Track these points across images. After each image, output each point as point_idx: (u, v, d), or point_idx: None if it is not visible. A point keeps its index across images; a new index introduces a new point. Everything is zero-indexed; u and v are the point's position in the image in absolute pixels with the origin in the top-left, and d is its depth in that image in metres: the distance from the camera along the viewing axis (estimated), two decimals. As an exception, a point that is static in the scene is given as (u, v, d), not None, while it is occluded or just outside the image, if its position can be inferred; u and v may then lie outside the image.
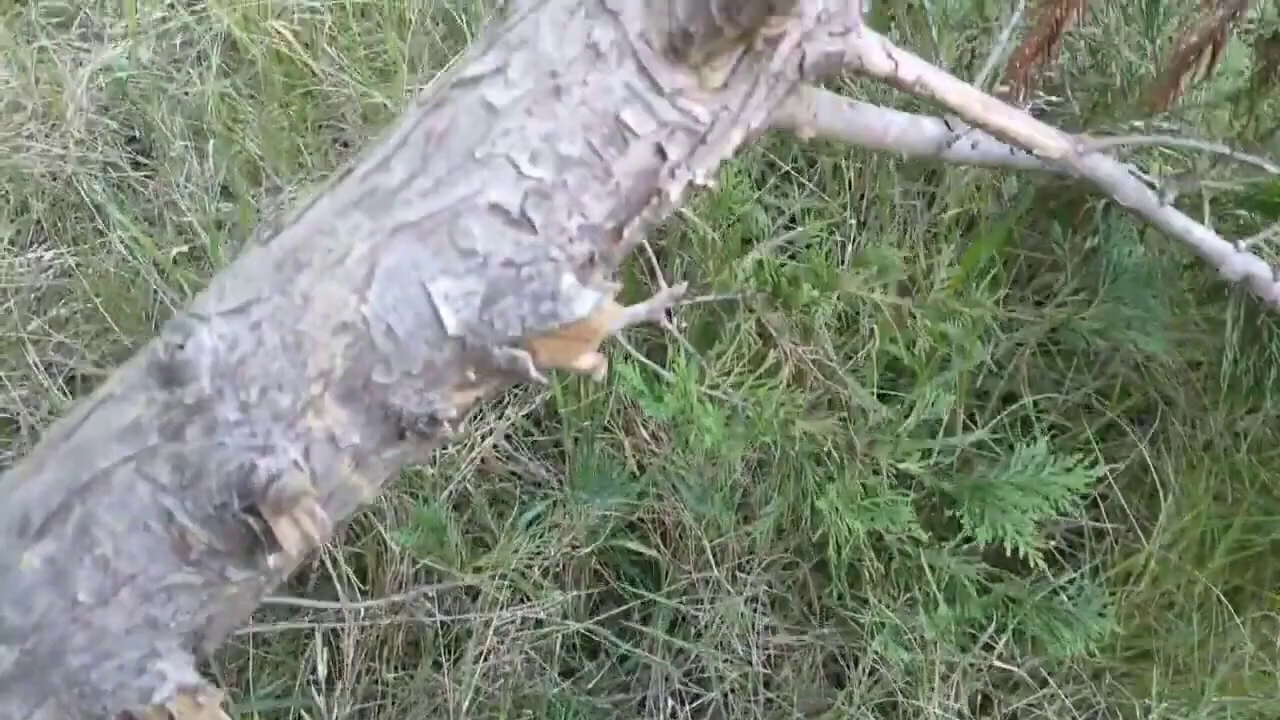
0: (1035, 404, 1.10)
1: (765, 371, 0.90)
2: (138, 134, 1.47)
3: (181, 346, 0.48)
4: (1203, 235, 0.68)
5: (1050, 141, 0.59)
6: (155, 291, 1.28)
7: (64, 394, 1.20)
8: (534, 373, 0.49)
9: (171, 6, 1.54)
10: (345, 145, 1.42)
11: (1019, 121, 0.58)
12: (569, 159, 0.48)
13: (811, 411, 0.95)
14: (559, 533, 1.06)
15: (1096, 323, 0.87)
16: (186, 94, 1.48)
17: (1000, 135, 0.58)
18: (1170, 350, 0.88)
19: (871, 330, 0.99)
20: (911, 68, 0.55)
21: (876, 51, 0.55)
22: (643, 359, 0.88)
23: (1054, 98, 0.74)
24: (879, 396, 1.04)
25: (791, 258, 0.95)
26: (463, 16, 1.30)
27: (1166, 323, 0.85)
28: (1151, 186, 0.65)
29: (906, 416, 0.98)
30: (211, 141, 1.40)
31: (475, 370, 0.51)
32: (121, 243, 1.30)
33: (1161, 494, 1.05)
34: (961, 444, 0.89)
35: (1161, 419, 1.10)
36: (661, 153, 0.50)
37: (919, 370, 0.98)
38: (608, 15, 0.46)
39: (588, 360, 0.50)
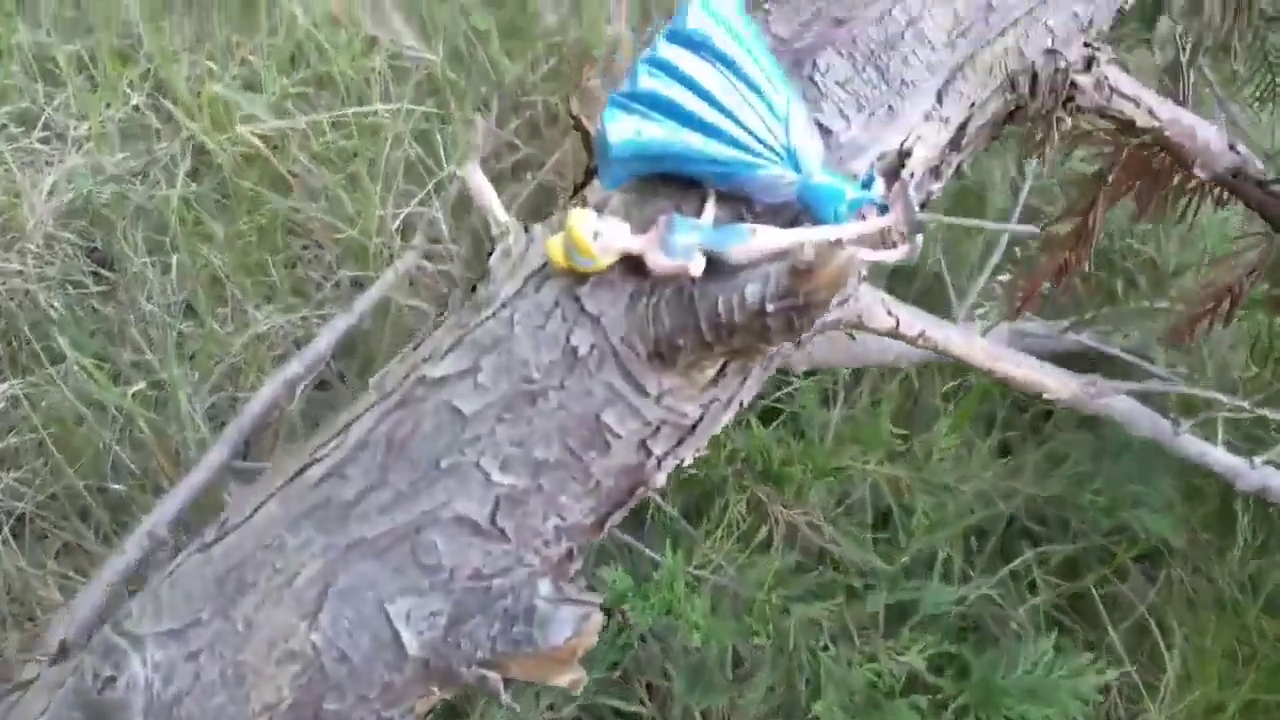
0: (1036, 546, 1.06)
1: (757, 546, 0.86)
2: (99, 245, 1.41)
3: (113, 679, 0.42)
4: (1218, 458, 0.64)
5: (1059, 386, 0.55)
6: (113, 422, 1.22)
7: (10, 543, 1.13)
8: (505, 697, 0.44)
9: (136, 109, 1.48)
10: (315, 257, 1.37)
11: (1026, 369, 0.54)
12: (544, 463, 0.44)
13: (803, 576, 0.90)
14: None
15: (1100, 498, 0.82)
16: (151, 200, 1.42)
17: (1008, 382, 0.54)
18: (1177, 528, 0.84)
19: (866, 491, 0.94)
20: (913, 323, 0.51)
21: (877, 310, 0.50)
22: (628, 539, 0.83)
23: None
24: (874, 540, 1.00)
25: (783, 423, 0.91)
26: (439, 138, 1.26)
27: (1173, 500, 0.81)
28: (1165, 415, 0.61)
29: (904, 574, 0.94)
30: (175, 256, 1.35)
31: (440, 685, 0.45)
32: (77, 371, 1.24)
33: (1167, 655, 1.01)
34: (958, 626, 0.83)
35: (1167, 567, 1.06)
36: (646, 449, 0.45)
37: (914, 532, 0.94)
38: (587, 319, 0.42)
39: (567, 677, 0.45)
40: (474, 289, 0.47)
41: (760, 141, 0.37)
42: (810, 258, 0.36)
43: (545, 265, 0.43)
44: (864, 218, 0.39)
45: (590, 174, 0.45)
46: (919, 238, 0.35)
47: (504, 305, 0.43)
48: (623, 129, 0.39)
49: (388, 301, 1.20)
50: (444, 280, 1.24)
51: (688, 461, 0.48)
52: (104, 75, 1.48)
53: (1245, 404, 0.57)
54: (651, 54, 0.40)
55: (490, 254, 0.46)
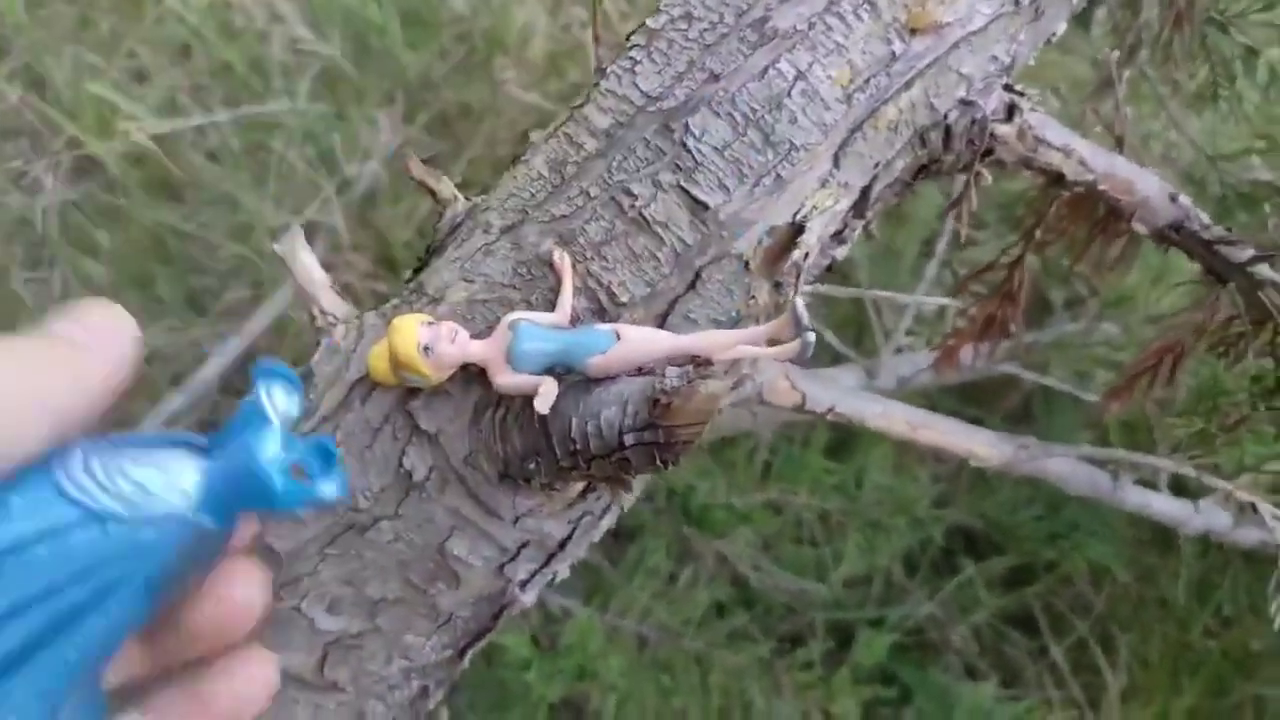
0: (979, 560, 1.02)
1: (682, 586, 0.80)
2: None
3: None
4: (1161, 506, 0.59)
5: (990, 451, 0.49)
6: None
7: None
8: None
9: (13, 108, 1.36)
10: (208, 268, 1.27)
11: (952, 435, 0.48)
12: (382, 602, 0.37)
13: (730, 620, 0.85)
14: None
15: (1041, 524, 0.78)
16: (30, 207, 1.31)
17: (935, 452, 0.48)
18: (1121, 554, 0.80)
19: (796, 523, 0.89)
20: (821, 398, 0.45)
21: (780, 385, 0.44)
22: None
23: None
24: (812, 563, 0.95)
25: (711, 452, 0.85)
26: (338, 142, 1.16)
27: (1115, 523, 0.76)
28: (1102, 466, 0.56)
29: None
30: (58, 270, 1.24)
31: None
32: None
33: (1110, 670, 0.98)
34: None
35: (1111, 580, 1.03)
36: (505, 575, 0.38)
37: (848, 557, 0.89)
38: (423, 437, 0.35)
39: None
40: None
41: None
42: (673, 384, 0.29)
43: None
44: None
45: (430, 252, 0.38)
46: (810, 337, 0.29)
47: (325, 420, 0.36)
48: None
49: (286, 319, 1.11)
50: (344, 294, 1.15)
51: (563, 575, 0.41)
52: (-27, 71, 1.35)
53: (1177, 467, 0.52)
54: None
55: (316, 350, 0.38)
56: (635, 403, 0.30)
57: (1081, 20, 0.87)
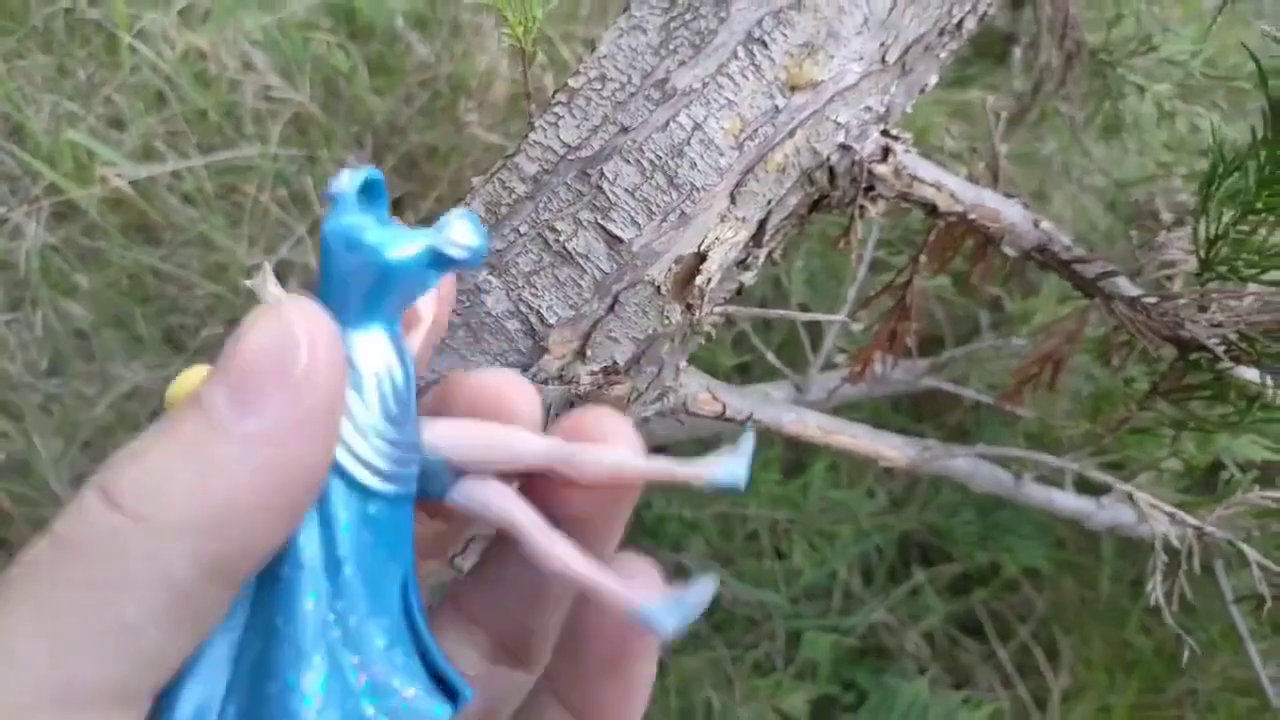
0: (929, 566, 1.07)
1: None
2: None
3: None
4: (1065, 502, 0.65)
5: (896, 453, 0.55)
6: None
7: None
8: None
9: (-7, 158, 1.41)
10: (185, 306, 1.31)
11: (861, 440, 0.54)
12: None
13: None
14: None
15: (971, 528, 0.83)
16: (10, 251, 1.35)
17: (844, 454, 0.54)
18: (1049, 554, 0.85)
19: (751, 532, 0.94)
20: (741, 407, 0.50)
21: (702, 396, 0.49)
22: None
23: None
24: (769, 573, 0.99)
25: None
26: (309, 185, 1.21)
27: (1044, 523, 0.82)
28: (1006, 467, 0.61)
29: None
30: (40, 311, 1.28)
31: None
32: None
33: (1051, 670, 1.03)
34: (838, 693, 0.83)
35: (1051, 583, 1.08)
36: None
37: (803, 568, 0.94)
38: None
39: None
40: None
41: None
42: (585, 388, 0.34)
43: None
44: None
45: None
46: (739, 473, 0.26)
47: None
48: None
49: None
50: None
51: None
52: (-46, 120, 1.40)
53: (1070, 464, 0.57)
54: None
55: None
56: (556, 407, 0.35)
57: (1000, 59, 0.94)
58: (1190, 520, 0.51)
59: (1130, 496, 0.60)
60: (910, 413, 1.03)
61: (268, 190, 1.23)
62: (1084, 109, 0.74)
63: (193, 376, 0.25)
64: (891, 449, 0.54)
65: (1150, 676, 1.03)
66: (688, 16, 0.40)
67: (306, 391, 0.20)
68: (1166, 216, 0.58)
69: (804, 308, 0.82)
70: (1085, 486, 0.69)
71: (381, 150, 1.28)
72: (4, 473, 1.15)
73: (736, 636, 1.00)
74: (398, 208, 1.31)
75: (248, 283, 0.44)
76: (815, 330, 0.76)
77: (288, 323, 0.20)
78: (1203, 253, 0.42)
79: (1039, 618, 1.09)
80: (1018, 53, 0.87)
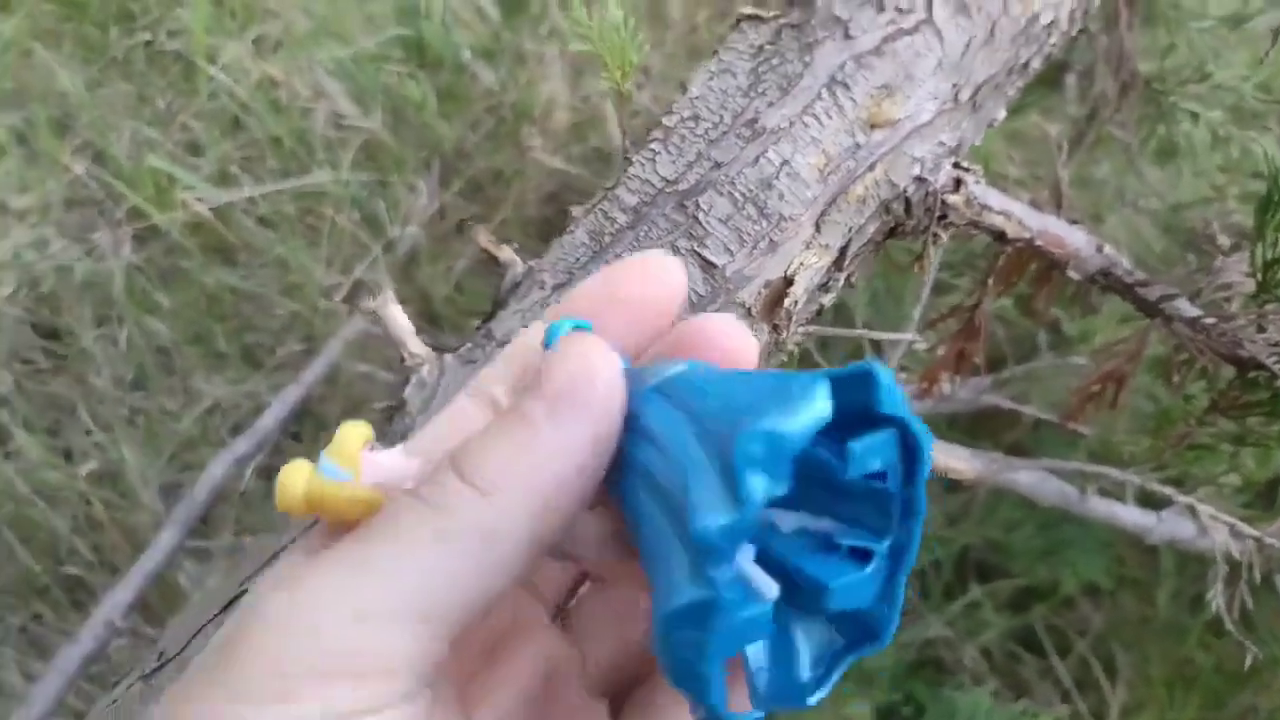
0: (986, 582, 1.09)
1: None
2: (46, 320, 1.41)
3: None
4: (1126, 516, 0.67)
5: (964, 465, 0.57)
6: (67, 501, 1.22)
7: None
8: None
9: (78, 181, 1.48)
10: (263, 325, 1.37)
11: (936, 454, 0.57)
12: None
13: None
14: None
15: (1033, 543, 0.85)
16: (97, 273, 1.42)
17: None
18: (1110, 569, 0.87)
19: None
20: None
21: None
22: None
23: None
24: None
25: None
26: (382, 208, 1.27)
27: (1105, 538, 0.84)
28: (1072, 481, 0.63)
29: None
30: (125, 329, 1.35)
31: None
32: (29, 451, 1.24)
33: (1109, 685, 1.04)
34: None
35: (1111, 599, 1.09)
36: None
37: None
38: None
39: None
40: (390, 418, 0.48)
41: None
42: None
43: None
44: None
45: (496, 306, 0.47)
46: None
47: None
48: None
49: (337, 369, 1.21)
50: (390, 343, 1.24)
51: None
52: (42, 147, 1.47)
53: (1133, 478, 0.59)
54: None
55: (406, 384, 0.47)
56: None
57: (1054, 85, 0.97)
58: (1250, 531, 0.53)
59: (1191, 509, 0.62)
60: (967, 431, 1.05)
61: (342, 213, 1.28)
62: (1138, 135, 0.76)
63: (351, 431, 0.27)
64: (960, 461, 0.57)
65: (1210, 692, 1.04)
66: (774, 61, 0.44)
67: (600, 415, 0.25)
68: (1223, 240, 0.60)
69: (868, 327, 0.85)
70: (1146, 504, 0.71)
71: (449, 174, 1.34)
72: (96, 482, 1.21)
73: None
74: (461, 229, 1.36)
75: (371, 304, 0.48)
76: (877, 349, 0.79)
77: (589, 356, 0.25)
78: (1260, 275, 0.44)
79: (1097, 634, 1.10)
80: (1071, 79, 0.90)
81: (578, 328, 0.27)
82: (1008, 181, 0.74)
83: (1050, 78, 0.91)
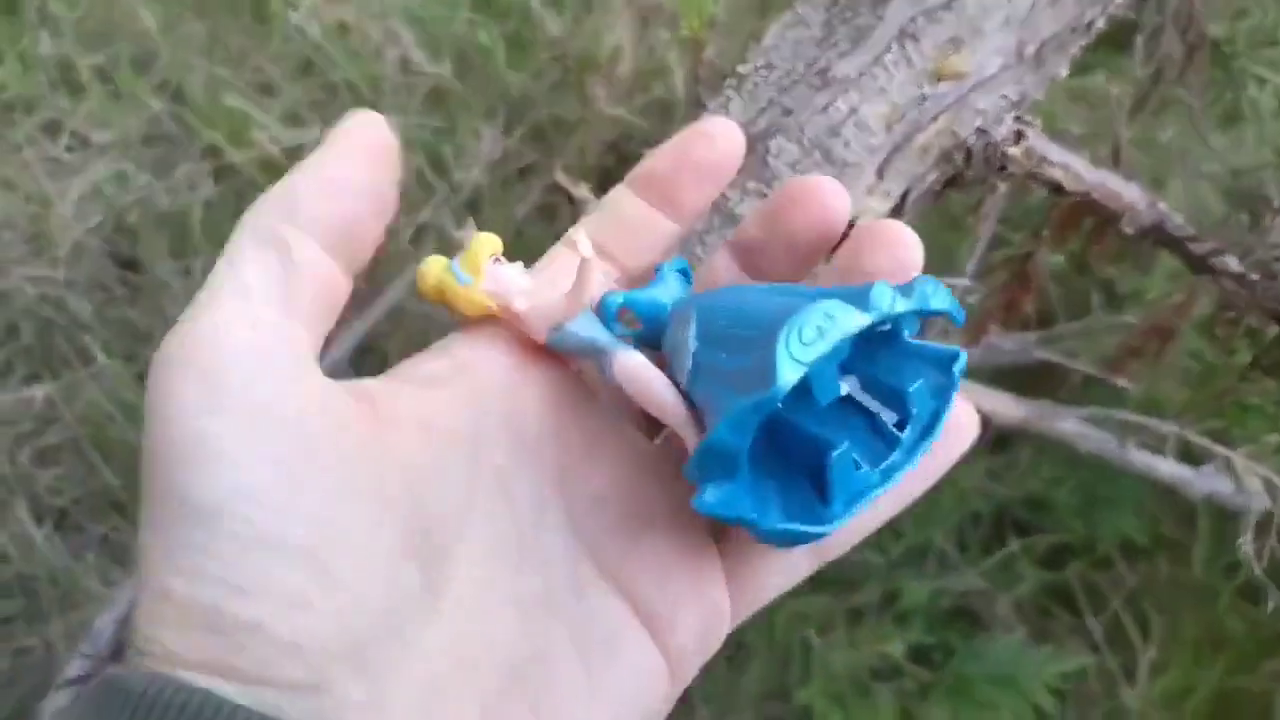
0: (1024, 536, 1.11)
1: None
2: (125, 250, 1.47)
3: None
4: (1165, 469, 0.69)
5: (1009, 410, 0.60)
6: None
7: (52, 538, 1.21)
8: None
9: (157, 118, 1.54)
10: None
11: (977, 395, 0.59)
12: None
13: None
14: None
15: (1073, 498, 0.88)
16: (173, 206, 1.48)
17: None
18: (1143, 527, 0.89)
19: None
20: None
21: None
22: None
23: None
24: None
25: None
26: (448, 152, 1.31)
27: (1143, 497, 0.86)
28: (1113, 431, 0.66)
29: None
30: (200, 261, 1.41)
31: None
32: (108, 373, 1.31)
33: (1141, 643, 1.06)
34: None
35: (1147, 558, 1.11)
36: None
37: (904, 530, 1.00)
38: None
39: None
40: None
41: None
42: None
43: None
44: None
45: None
46: None
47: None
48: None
49: (400, 308, 1.26)
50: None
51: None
52: (124, 84, 1.53)
53: (1178, 429, 0.62)
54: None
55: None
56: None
57: (1123, 46, 0.97)
58: (1284, 483, 0.56)
59: (1228, 462, 0.64)
60: (1014, 387, 1.06)
61: (410, 157, 1.32)
62: (1204, 98, 0.77)
63: (483, 242, 0.31)
64: (1006, 406, 0.59)
65: (1240, 655, 1.05)
66: (848, 14, 0.46)
67: None
68: (1278, 201, 0.61)
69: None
70: (1187, 461, 0.73)
71: (513, 121, 1.37)
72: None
73: (836, 593, 1.06)
74: (524, 175, 1.40)
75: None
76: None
77: None
78: (1310, 235, 0.46)
79: (1131, 593, 1.12)
80: (1140, 41, 0.90)
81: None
82: (1071, 139, 0.76)
83: (1121, 39, 0.91)
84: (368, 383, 0.30)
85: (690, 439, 0.29)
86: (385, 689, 0.25)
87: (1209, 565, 1.02)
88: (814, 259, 0.33)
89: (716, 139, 0.35)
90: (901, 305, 0.26)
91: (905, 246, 0.31)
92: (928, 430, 0.29)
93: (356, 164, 0.29)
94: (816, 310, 0.25)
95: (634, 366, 0.29)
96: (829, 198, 0.32)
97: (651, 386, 0.29)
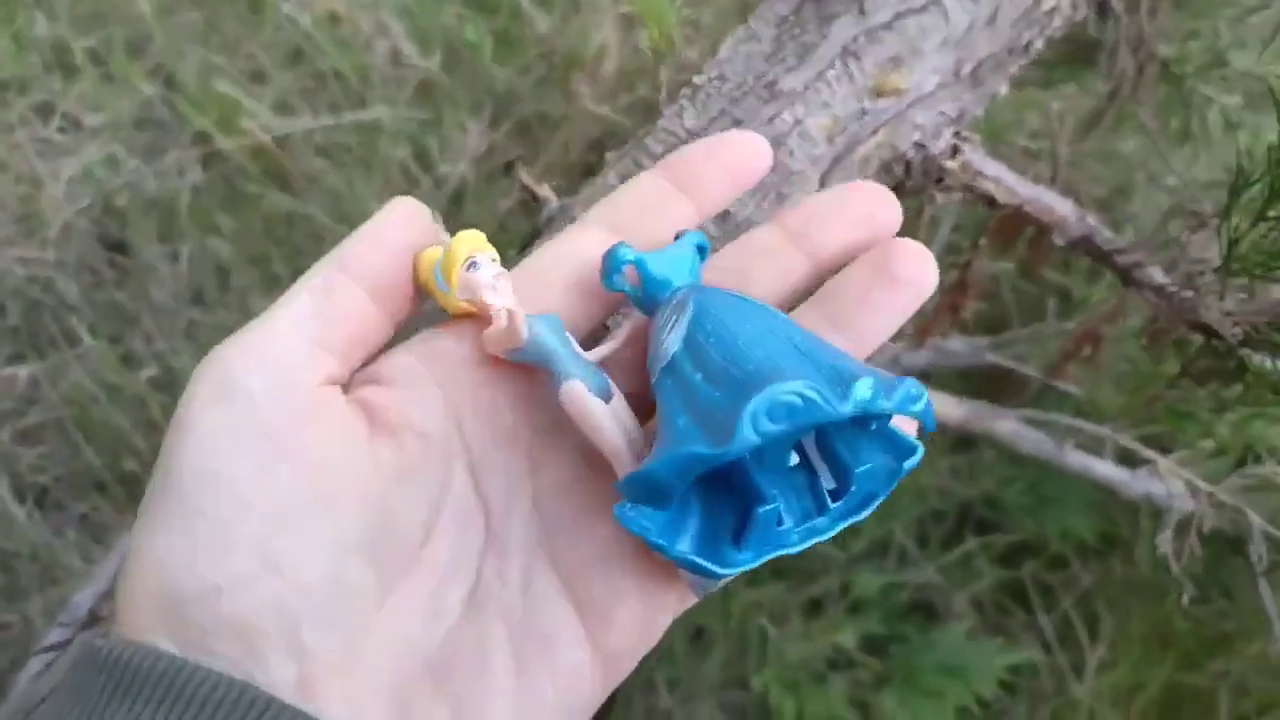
0: (984, 534, 1.15)
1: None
2: (114, 233, 1.49)
3: None
4: (1101, 470, 0.72)
5: (949, 410, 0.63)
6: (128, 403, 1.31)
7: (34, 515, 1.23)
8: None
9: (149, 102, 1.56)
10: (316, 249, 1.45)
11: (924, 397, 0.62)
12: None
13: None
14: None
15: (1024, 498, 0.91)
16: (162, 191, 1.50)
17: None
18: (1093, 527, 0.92)
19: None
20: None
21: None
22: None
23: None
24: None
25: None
26: (434, 145, 1.33)
27: (1090, 500, 0.89)
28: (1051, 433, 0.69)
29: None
30: (187, 246, 1.43)
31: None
32: (93, 354, 1.33)
33: (1088, 641, 1.09)
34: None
35: (1099, 557, 1.14)
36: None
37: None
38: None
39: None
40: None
41: None
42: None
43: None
44: None
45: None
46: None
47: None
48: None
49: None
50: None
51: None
52: (117, 68, 1.55)
53: (1111, 433, 0.65)
54: None
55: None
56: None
57: (1089, 63, 1.00)
58: (1204, 485, 0.59)
59: (1152, 463, 0.67)
60: (972, 391, 1.10)
61: (397, 148, 1.35)
62: (1157, 117, 0.80)
63: (458, 248, 0.32)
64: (948, 407, 0.62)
65: (1186, 654, 1.09)
66: (796, 31, 0.49)
67: None
68: (1205, 217, 0.64)
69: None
70: (1127, 463, 0.77)
71: (498, 116, 1.39)
72: (155, 387, 1.30)
73: (794, 584, 1.09)
74: (509, 169, 1.42)
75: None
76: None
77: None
78: (1225, 251, 0.49)
79: (1084, 592, 1.15)
80: (1101, 59, 0.93)
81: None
82: (1017, 153, 0.79)
83: (1084, 56, 0.95)
84: (368, 392, 0.33)
85: (620, 469, 0.30)
86: (315, 674, 0.27)
87: (1156, 565, 1.05)
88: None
89: (749, 148, 0.37)
90: (881, 404, 0.26)
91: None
92: (858, 508, 0.30)
93: (400, 229, 0.33)
94: (795, 390, 0.25)
95: (578, 396, 0.31)
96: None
97: (591, 418, 0.31)
